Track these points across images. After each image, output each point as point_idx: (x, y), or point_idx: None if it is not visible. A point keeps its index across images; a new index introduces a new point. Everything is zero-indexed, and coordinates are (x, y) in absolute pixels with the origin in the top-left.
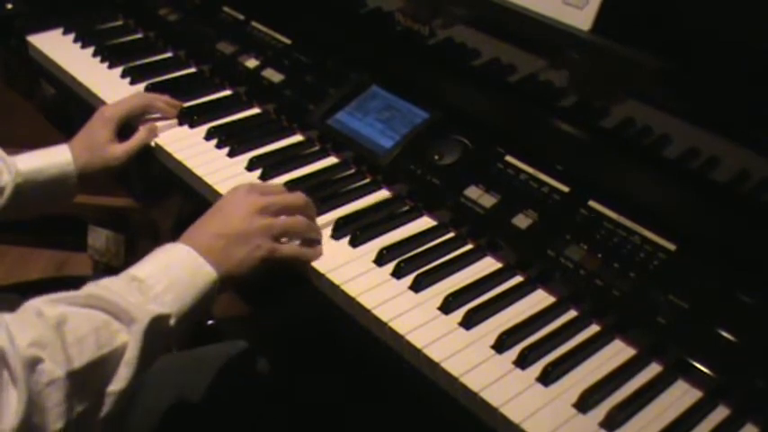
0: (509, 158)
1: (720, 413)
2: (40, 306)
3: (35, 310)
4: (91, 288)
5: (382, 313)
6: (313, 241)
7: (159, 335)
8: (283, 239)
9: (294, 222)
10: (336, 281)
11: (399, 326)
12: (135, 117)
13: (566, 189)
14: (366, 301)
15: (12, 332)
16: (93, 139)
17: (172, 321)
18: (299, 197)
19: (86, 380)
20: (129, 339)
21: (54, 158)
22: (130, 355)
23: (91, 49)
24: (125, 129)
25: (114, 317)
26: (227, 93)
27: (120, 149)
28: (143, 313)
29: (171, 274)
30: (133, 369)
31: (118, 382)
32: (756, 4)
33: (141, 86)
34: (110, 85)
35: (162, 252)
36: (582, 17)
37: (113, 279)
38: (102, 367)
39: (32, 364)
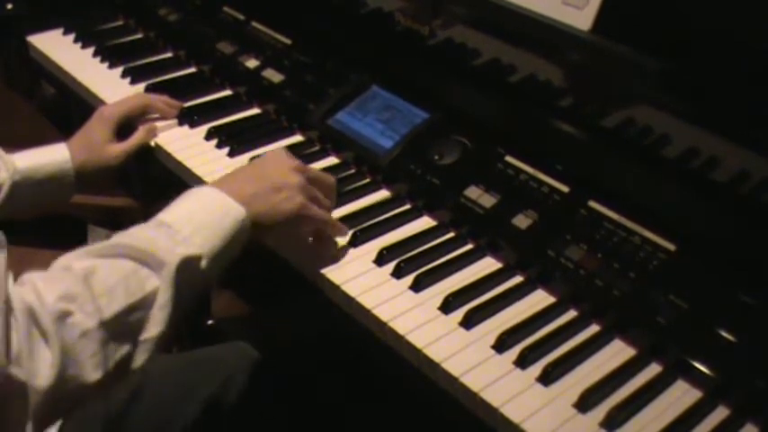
0: (509, 158)
1: (720, 413)
2: (69, 260)
3: (63, 266)
4: (118, 237)
5: (382, 313)
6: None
7: (191, 277)
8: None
9: (325, 195)
10: (336, 281)
11: (399, 326)
12: (134, 117)
13: (566, 189)
14: (366, 301)
15: (39, 289)
16: (92, 138)
17: (203, 263)
18: (331, 177)
19: (120, 328)
20: (160, 284)
21: (51, 156)
22: (163, 300)
23: (91, 50)
24: (124, 129)
25: (143, 263)
26: (228, 93)
27: (119, 149)
28: (172, 256)
29: (199, 217)
30: (167, 313)
31: (153, 328)
32: (756, 4)
33: (141, 86)
34: (110, 85)
35: (190, 195)
36: (582, 17)
37: (141, 226)
38: (134, 315)
39: (62, 317)
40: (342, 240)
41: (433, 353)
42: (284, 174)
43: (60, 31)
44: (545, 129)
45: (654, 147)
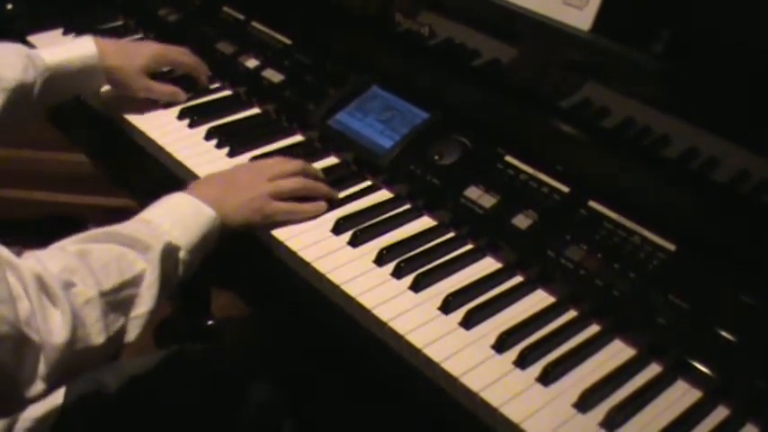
0: (509, 158)
1: (720, 413)
2: (62, 244)
3: (58, 246)
4: (105, 228)
5: (382, 313)
6: (314, 199)
7: (173, 263)
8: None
9: (291, 183)
10: (336, 281)
11: (399, 326)
12: (175, 69)
13: (565, 189)
14: (366, 300)
15: (43, 261)
16: (132, 55)
17: (182, 254)
18: (296, 163)
19: (116, 301)
20: (147, 265)
21: (79, 51)
22: (150, 280)
23: None
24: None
25: (130, 247)
26: (228, 93)
27: (145, 84)
28: (156, 241)
29: (175, 215)
30: (154, 292)
31: (142, 306)
32: (756, 5)
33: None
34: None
35: (165, 199)
36: (582, 17)
37: (124, 223)
38: (126, 291)
39: (67, 286)
40: (342, 241)
41: (433, 353)
42: (245, 179)
43: (60, 31)
44: (545, 129)
45: (654, 147)
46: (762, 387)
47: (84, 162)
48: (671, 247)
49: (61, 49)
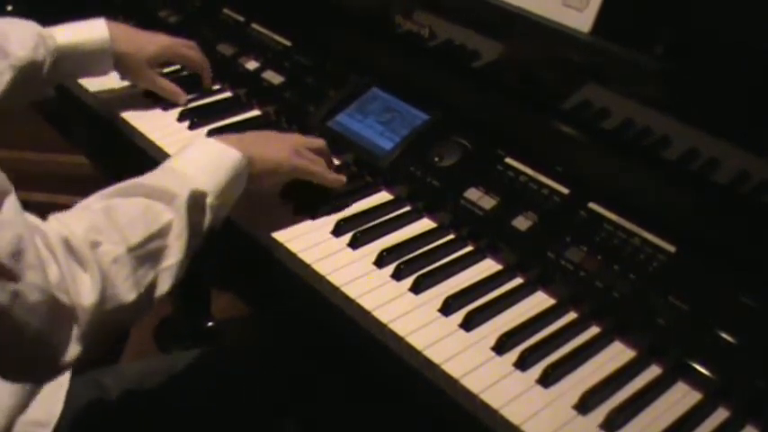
0: (509, 160)
1: (720, 415)
2: (86, 202)
3: (82, 206)
4: (129, 180)
5: (382, 315)
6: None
7: (201, 211)
8: None
9: (314, 156)
10: (336, 282)
11: (399, 327)
12: (183, 65)
13: (565, 191)
14: (366, 302)
15: (68, 223)
16: (141, 44)
17: (209, 199)
18: (320, 141)
19: (144, 255)
20: (174, 216)
21: (91, 34)
22: (178, 229)
23: None
24: None
25: (156, 199)
26: (228, 95)
27: (149, 76)
28: (182, 189)
29: (200, 161)
30: (184, 242)
31: (172, 257)
32: (756, 5)
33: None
34: (108, 87)
35: (188, 147)
36: (582, 19)
37: (149, 173)
38: (154, 243)
39: (93, 247)
40: (342, 243)
41: (433, 354)
42: (273, 136)
43: None
44: (545, 130)
45: (654, 148)
46: (762, 388)
47: (83, 163)
48: (671, 248)
49: (73, 31)
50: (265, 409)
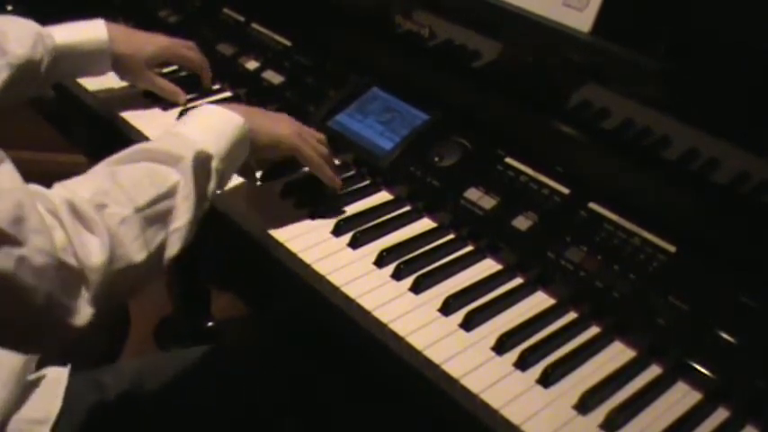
0: (509, 160)
1: (720, 415)
2: (93, 169)
3: (89, 172)
4: (133, 146)
5: (382, 315)
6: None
7: (206, 172)
8: None
9: (315, 143)
10: (336, 282)
11: (399, 327)
12: (182, 65)
13: (566, 191)
14: (366, 302)
15: (73, 188)
16: (140, 45)
17: (215, 162)
18: (322, 135)
19: (153, 215)
20: (180, 177)
21: (90, 34)
22: (185, 191)
23: None
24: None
25: (161, 162)
26: (228, 95)
27: (149, 76)
28: (187, 151)
29: (205, 125)
30: (191, 203)
31: (181, 217)
32: (756, 5)
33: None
34: (108, 87)
35: (193, 112)
36: (582, 19)
37: (154, 139)
38: (162, 203)
39: (100, 209)
40: (342, 243)
41: (433, 354)
42: (279, 115)
43: None
44: (545, 130)
45: (654, 148)
46: (762, 388)
47: (83, 163)
48: (671, 248)
49: (72, 31)
50: (265, 408)
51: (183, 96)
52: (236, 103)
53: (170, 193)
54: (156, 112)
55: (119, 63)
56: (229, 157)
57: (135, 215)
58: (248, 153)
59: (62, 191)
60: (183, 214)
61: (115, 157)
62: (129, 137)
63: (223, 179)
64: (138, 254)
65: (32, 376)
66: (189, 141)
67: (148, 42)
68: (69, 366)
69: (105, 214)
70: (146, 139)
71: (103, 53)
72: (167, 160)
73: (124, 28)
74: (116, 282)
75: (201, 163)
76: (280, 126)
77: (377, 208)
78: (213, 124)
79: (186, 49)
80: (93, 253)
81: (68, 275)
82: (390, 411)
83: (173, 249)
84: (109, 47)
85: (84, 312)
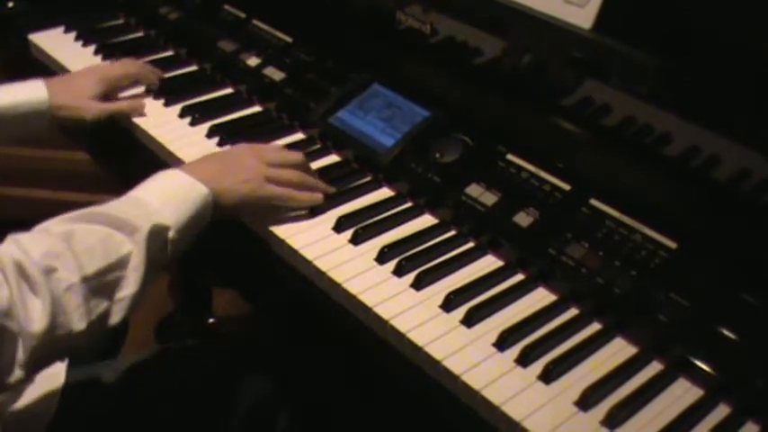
0: (510, 157)
1: (721, 412)
2: (47, 225)
3: (43, 228)
4: (93, 208)
5: (383, 311)
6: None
7: (161, 244)
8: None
9: (288, 173)
10: (338, 279)
11: (400, 324)
12: (125, 83)
13: (567, 187)
14: (367, 299)
15: (24, 246)
16: (79, 87)
17: (171, 233)
18: (297, 155)
19: (99, 286)
20: (133, 247)
21: (28, 95)
22: (136, 261)
23: (92, 48)
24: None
25: (117, 229)
26: (229, 91)
27: (98, 107)
28: (144, 223)
29: (166, 193)
30: (140, 274)
31: (128, 288)
32: (757, 4)
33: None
34: None
35: (157, 176)
36: (583, 15)
37: (114, 201)
38: (111, 274)
39: (48, 272)
40: (343, 239)
41: (435, 351)
42: (244, 158)
43: (61, 29)
44: (546, 127)
45: (655, 145)
46: (762, 386)
47: (85, 160)
48: (672, 245)
49: (10, 91)
50: (265, 405)
51: (141, 104)
52: (207, 157)
53: (120, 264)
54: (158, 108)
55: (65, 114)
56: (188, 227)
57: (81, 284)
58: (214, 215)
59: (13, 249)
60: (130, 285)
61: (74, 214)
62: (132, 134)
63: (178, 248)
64: (78, 323)
65: None
66: (148, 210)
67: (86, 82)
68: (67, 362)
69: (52, 279)
70: (148, 135)
71: (44, 112)
72: (123, 228)
73: (59, 78)
74: (53, 347)
75: (157, 234)
76: (242, 181)
77: (378, 204)
78: (175, 193)
79: (123, 67)
80: (35, 319)
81: (5, 337)
82: (391, 410)
83: (115, 318)
84: (50, 101)
85: (15, 374)
